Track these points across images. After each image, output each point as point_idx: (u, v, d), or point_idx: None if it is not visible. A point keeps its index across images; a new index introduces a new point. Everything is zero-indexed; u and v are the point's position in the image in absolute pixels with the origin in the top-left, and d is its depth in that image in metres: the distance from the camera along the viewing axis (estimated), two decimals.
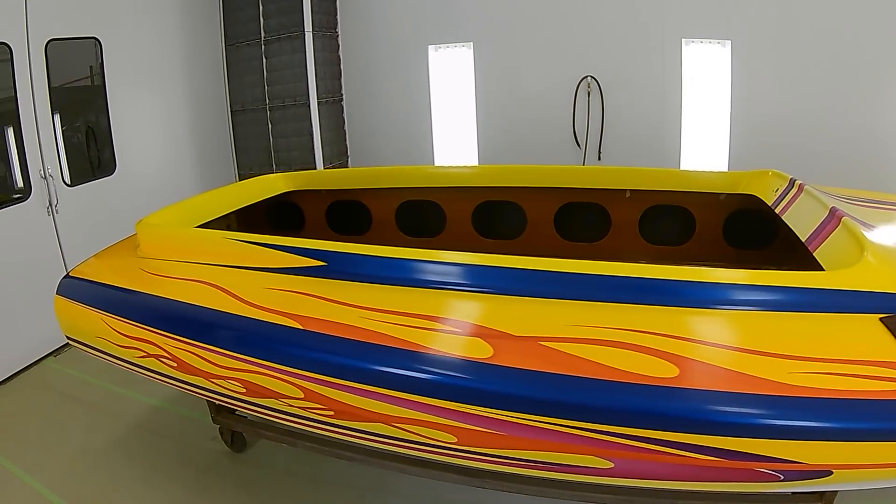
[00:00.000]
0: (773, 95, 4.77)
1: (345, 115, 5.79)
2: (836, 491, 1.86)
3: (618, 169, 3.23)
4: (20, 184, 3.98)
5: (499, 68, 5.29)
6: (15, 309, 3.84)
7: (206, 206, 2.93)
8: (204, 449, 2.93)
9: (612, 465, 1.49)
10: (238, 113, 5.52)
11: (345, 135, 5.82)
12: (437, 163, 5.64)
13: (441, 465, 2.01)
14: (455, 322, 1.72)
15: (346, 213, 3.47)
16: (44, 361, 4.02)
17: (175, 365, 2.01)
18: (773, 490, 1.59)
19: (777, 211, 2.60)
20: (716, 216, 3.13)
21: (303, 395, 1.72)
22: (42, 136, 3.99)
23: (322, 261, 2.00)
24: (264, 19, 5.17)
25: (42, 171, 3.98)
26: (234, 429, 2.74)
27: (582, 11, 4.99)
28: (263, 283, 2.02)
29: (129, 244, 2.86)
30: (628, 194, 3.17)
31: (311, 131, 5.25)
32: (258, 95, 5.37)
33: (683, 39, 4.88)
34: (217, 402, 2.24)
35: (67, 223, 4.16)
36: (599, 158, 5.25)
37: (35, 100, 3.95)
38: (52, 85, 4.06)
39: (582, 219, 3.27)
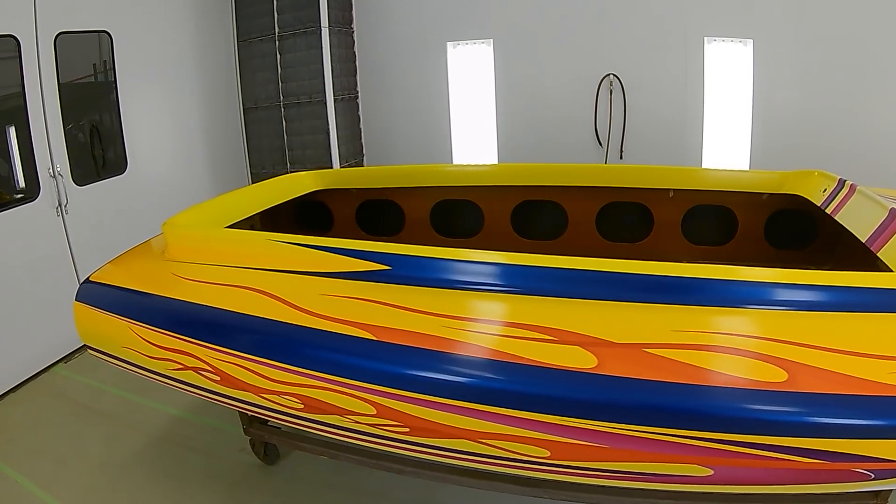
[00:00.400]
0: (794, 94, 4.72)
1: (360, 112, 5.63)
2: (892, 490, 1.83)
3: (661, 168, 3.12)
4: (22, 183, 3.81)
5: (520, 66, 5.16)
6: (23, 313, 3.65)
7: (234, 206, 2.77)
8: (233, 461, 2.77)
9: (711, 472, 1.44)
10: (250, 110, 5.35)
11: (360, 133, 5.67)
12: (456, 161, 5.51)
13: (501, 477, 1.92)
14: (544, 329, 1.57)
15: (378, 213, 3.33)
16: (54, 368, 3.83)
17: (218, 378, 1.85)
18: (857, 489, 1.56)
19: (828, 211, 2.51)
20: (758, 216, 3.06)
21: (375, 412, 1.58)
22: (51, 134, 3.82)
23: (386, 264, 1.85)
24: (278, 14, 5.02)
25: (51, 170, 3.80)
26: (269, 440, 2.59)
27: (604, 9, 4.88)
28: (320, 289, 1.87)
29: (151, 247, 2.70)
30: (671, 194, 3.08)
31: (328, 129, 5.09)
32: (272, 92, 5.21)
33: (706, 38, 4.81)
34: (253, 413, 2.09)
35: (77, 224, 3.99)
36: (621, 157, 5.15)
37: (44, 95, 3.78)
38: (62, 80, 3.89)
39: (623, 219, 3.16)
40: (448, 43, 5.28)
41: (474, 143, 5.46)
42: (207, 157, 5.12)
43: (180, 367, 1.94)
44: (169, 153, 4.77)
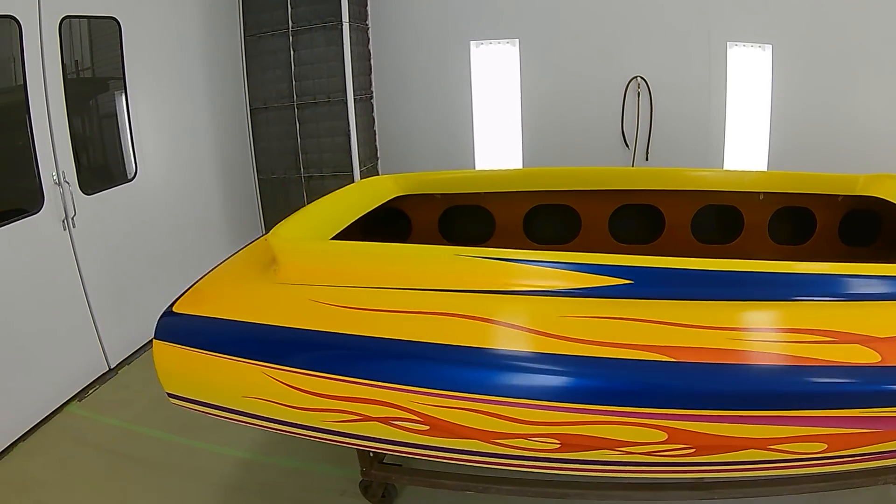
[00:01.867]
0: (809, 97, 4.89)
1: (374, 114, 5.30)
2: None
3: (750, 172, 3.20)
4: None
5: (546, 67, 5.01)
6: (29, 346, 3.09)
7: (329, 216, 2.41)
8: None
9: None
10: (259, 111, 4.89)
11: (374, 136, 5.33)
12: (478, 166, 5.28)
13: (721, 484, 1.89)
14: (817, 332, 1.54)
15: (463, 220, 3.06)
16: (67, 407, 3.27)
17: (426, 428, 1.54)
18: None
19: None
20: (833, 216, 3.12)
21: (666, 437, 1.45)
22: (55, 133, 3.27)
23: (627, 278, 1.64)
24: (292, 7, 4.61)
25: (56, 176, 3.26)
26: (395, 482, 2.26)
27: (631, 12, 4.87)
28: (557, 310, 1.59)
29: (239, 268, 2.26)
30: (761, 197, 3.12)
31: (349, 131, 4.73)
32: (284, 91, 4.79)
33: (728, 42, 4.89)
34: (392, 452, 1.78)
35: (86, 239, 3.44)
36: (647, 159, 5.14)
37: (47, 89, 3.23)
38: (67, 73, 3.35)
39: (714, 222, 3.13)
40: (471, 42, 5.06)
41: (498, 147, 5.25)
42: (215, 162, 4.62)
43: (357, 417, 1.61)
44: (177, 158, 4.26)
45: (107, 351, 3.58)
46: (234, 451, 2.81)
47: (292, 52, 4.69)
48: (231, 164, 4.79)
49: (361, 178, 4.92)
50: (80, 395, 3.35)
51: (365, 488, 2.35)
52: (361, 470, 2.23)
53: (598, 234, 3.07)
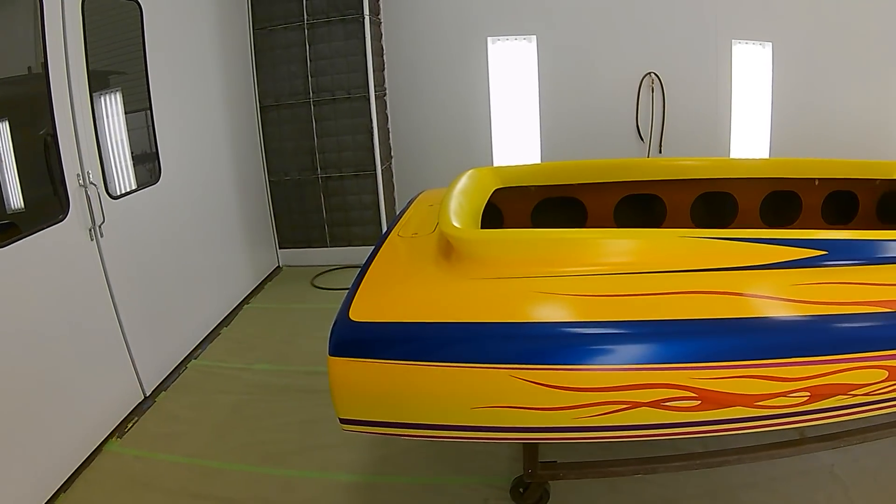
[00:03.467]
0: (807, 91, 5.20)
1: (387, 111, 5.06)
2: None
3: (807, 160, 3.32)
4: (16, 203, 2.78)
5: (564, 63, 5.01)
6: (58, 377, 2.60)
7: (463, 209, 2.22)
8: None
9: None
10: (270, 109, 4.55)
11: (388, 134, 5.09)
12: (497, 162, 5.18)
13: None
14: None
15: (555, 212, 2.94)
16: (106, 446, 2.80)
17: (698, 403, 1.57)
18: None
19: None
20: (871, 197, 3.33)
21: (886, 375, 1.63)
22: (80, 129, 2.84)
23: (822, 249, 1.76)
24: (307, 0, 4.32)
25: (81, 178, 2.82)
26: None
27: (645, 9, 4.98)
28: (787, 279, 1.71)
29: (399, 268, 2.01)
30: (817, 182, 3.29)
31: (371, 128, 4.48)
32: (298, 88, 4.48)
33: (733, 40, 5.11)
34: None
35: (114, 249, 3.00)
36: (660, 151, 5.25)
37: (70, 78, 2.81)
38: (91, 62, 2.93)
39: (780, 205, 3.26)
40: (488, 38, 4.96)
41: (515, 143, 5.17)
42: (231, 164, 4.27)
43: (625, 406, 1.55)
44: (198, 158, 3.91)
45: (141, 377, 3.14)
46: (340, 476, 2.49)
47: (308, 47, 4.41)
48: (244, 166, 4.42)
49: (381, 178, 4.68)
50: (118, 431, 2.89)
51: (521, 492, 2.18)
52: (526, 471, 2.06)
53: (680, 219, 3.08)
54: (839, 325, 1.63)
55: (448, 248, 1.86)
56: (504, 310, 1.61)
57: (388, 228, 2.48)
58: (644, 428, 1.65)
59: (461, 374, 1.55)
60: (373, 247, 2.21)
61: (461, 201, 2.17)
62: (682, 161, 3.14)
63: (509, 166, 2.84)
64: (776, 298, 1.66)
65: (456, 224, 1.87)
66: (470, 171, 2.69)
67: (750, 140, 5.38)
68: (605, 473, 2.19)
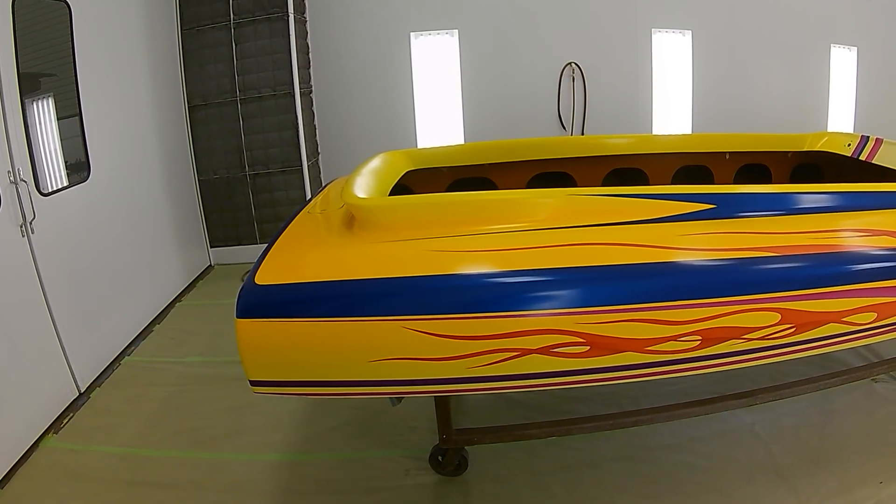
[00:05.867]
0: (726, 76, 5.63)
1: (313, 108, 5.17)
2: None
3: (719, 135, 3.52)
4: None
5: (486, 56, 5.25)
6: None
7: (371, 186, 2.38)
8: (409, 490, 2.29)
9: None
10: (198, 108, 4.60)
11: (314, 130, 5.21)
12: None
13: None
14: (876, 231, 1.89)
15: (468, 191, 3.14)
16: (42, 442, 2.83)
17: (587, 349, 1.65)
18: None
19: (863, 158, 3.08)
20: (785, 170, 3.60)
21: (779, 318, 1.72)
22: (10, 124, 2.86)
23: (711, 203, 1.90)
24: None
25: (11, 175, 2.85)
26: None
27: (564, 2, 5.23)
28: (674, 230, 1.81)
29: (304, 239, 2.10)
30: (727, 156, 3.48)
31: (296, 124, 4.59)
32: (225, 87, 4.55)
33: (653, 29, 5.45)
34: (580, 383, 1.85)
35: (46, 246, 3.04)
36: None
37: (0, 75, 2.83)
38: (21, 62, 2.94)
39: (692, 180, 3.42)
40: (411, 33, 5.15)
41: (440, 135, 5.38)
42: (160, 163, 4.31)
43: (514, 354, 1.64)
44: (127, 157, 3.96)
45: (76, 374, 3.17)
46: (268, 456, 2.60)
47: (234, 46, 4.48)
48: (173, 165, 4.45)
49: (308, 173, 4.79)
50: (54, 427, 2.93)
51: (439, 459, 2.32)
52: (441, 437, 2.19)
53: None
54: (726, 269, 1.70)
55: (351, 219, 1.97)
56: (395, 266, 1.69)
57: (298, 208, 2.51)
58: (538, 377, 1.72)
59: (356, 328, 1.61)
60: None
61: (368, 179, 2.31)
62: (593, 139, 3.30)
63: (422, 149, 2.95)
64: (664, 247, 1.73)
65: (360, 196, 2.01)
66: (381, 154, 2.84)
67: (671, 125, 5.73)
68: (519, 436, 2.29)
